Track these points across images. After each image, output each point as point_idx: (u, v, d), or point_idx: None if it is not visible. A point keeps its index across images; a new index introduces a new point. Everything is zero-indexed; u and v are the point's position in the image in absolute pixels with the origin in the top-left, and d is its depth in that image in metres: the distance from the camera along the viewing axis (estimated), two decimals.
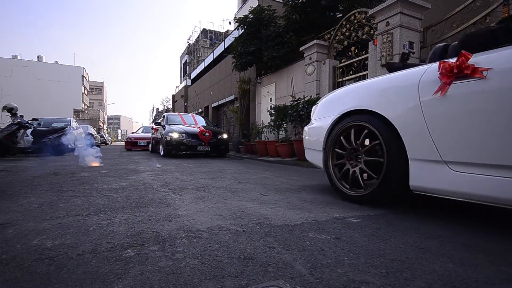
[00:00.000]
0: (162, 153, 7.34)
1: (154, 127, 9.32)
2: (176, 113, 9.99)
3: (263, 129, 8.36)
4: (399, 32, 4.81)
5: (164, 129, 7.42)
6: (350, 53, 6.52)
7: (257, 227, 1.40)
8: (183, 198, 2.10)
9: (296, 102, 6.68)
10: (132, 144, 11.18)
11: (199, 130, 7.09)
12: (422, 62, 2.39)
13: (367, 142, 1.93)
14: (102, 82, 62.30)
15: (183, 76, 35.44)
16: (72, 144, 8.16)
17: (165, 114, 8.92)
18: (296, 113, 6.38)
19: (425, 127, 1.53)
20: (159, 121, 8.91)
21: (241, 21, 9.51)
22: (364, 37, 6.04)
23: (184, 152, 7.09)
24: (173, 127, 7.30)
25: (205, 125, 8.42)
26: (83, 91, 46.39)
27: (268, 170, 4.35)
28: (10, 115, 6.71)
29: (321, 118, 2.41)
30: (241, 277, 0.89)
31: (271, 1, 11.63)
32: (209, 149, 7.06)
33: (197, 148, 6.94)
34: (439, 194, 1.52)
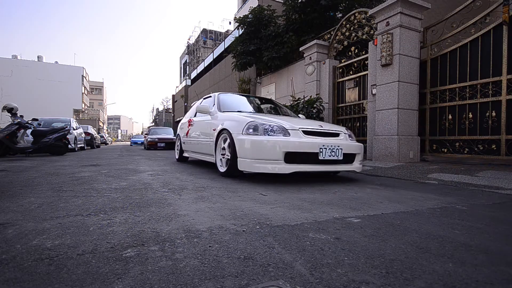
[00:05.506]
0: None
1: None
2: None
3: None
4: (399, 32, 4.81)
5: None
6: (350, 53, 6.52)
7: (257, 227, 1.40)
8: (183, 198, 2.10)
9: (296, 102, 6.68)
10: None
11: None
12: None
13: None
14: (102, 82, 62.28)
15: (183, 76, 35.43)
16: (72, 144, 8.14)
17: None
18: (296, 113, 6.39)
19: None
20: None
21: (241, 21, 9.51)
22: (364, 37, 6.04)
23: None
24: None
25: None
26: (83, 91, 46.36)
27: None
28: (10, 115, 6.70)
29: None
30: (241, 277, 0.88)
31: (271, 1, 11.63)
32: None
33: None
34: None
